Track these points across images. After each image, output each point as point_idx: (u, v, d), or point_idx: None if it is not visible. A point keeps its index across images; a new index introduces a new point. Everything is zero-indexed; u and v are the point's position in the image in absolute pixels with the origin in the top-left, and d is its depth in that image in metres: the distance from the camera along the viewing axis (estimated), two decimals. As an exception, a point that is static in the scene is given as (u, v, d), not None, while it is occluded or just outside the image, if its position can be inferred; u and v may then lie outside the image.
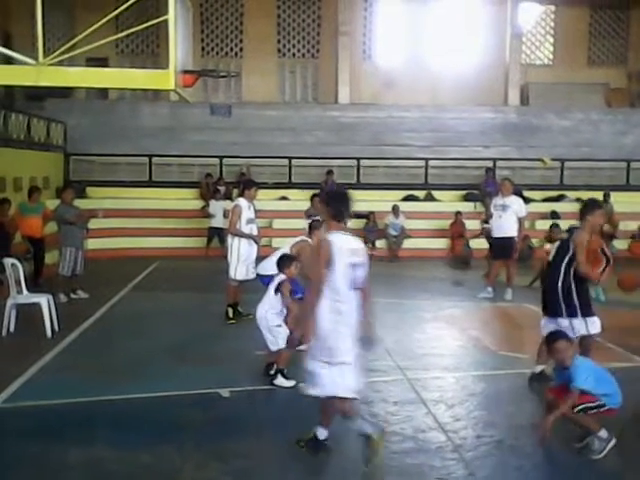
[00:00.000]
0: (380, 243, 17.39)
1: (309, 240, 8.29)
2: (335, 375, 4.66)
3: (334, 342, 4.64)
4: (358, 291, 4.80)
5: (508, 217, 11.39)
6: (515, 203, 11.53)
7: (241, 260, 9.29)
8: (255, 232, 9.48)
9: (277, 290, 6.72)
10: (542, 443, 5.11)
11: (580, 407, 5.11)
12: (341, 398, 4.76)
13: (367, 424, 4.85)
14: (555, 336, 5.47)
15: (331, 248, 4.64)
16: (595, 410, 5.13)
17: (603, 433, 5.10)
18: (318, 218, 11.94)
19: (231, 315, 9.47)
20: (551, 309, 6.57)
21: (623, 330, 7.03)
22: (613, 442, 5.08)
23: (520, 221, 11.48)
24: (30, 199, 11.74)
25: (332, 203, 4.92)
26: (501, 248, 11.56)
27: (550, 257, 6.70)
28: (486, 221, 16.32)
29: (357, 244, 4.88)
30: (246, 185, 9.83)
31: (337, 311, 4.64)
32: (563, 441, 5.21)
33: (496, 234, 11.63)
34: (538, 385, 6.57)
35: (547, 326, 6.49)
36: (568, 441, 5.22)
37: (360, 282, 4.80)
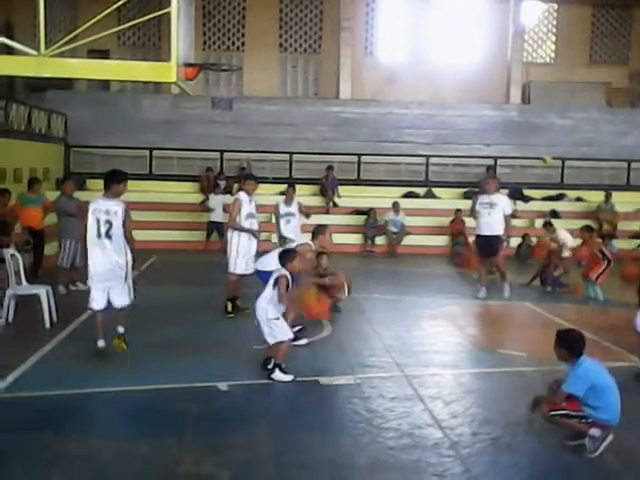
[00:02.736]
0: (380, 239, 17.42)
1: (311, 244, 8.42)
2: (96, 294, 7.18)
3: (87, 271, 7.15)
4: (114, 238, 7.03)
5: (496, 215, 11.30)
6: (502, 201, 11.49)
7: (241, 254, 9.29)
8: (255, 227, 9.47)
9: (275, 284, 6.71)
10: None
11: (558, 412, 5.08)
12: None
13: (121, 327, 7.32)
14: (562, 334, 5.22)
15: (87, 208, 7.13)
16: (576, 419, 5.07)
17: (595, 432, 5.04)
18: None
19: (230, 309, 9.47)
20: None
21: (620, 329, 7.07)
22: (609, 439, 5.03)
23: (506, 219, 11.40)
24: (30, 190, 11.73)
25: (107, 177, 7.31)
26: (488, 246, 11.40)
27: None
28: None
29: (111, 206, 7.04)
30: (245, 179, 9.87)
31: (90, 250, 7.09)
32: (558, 439, 5.22)
33: (484, 232, 11.42)
34: None
35: None
36: (563, 439, 5.24)
37: (113, 233, 7.02)
